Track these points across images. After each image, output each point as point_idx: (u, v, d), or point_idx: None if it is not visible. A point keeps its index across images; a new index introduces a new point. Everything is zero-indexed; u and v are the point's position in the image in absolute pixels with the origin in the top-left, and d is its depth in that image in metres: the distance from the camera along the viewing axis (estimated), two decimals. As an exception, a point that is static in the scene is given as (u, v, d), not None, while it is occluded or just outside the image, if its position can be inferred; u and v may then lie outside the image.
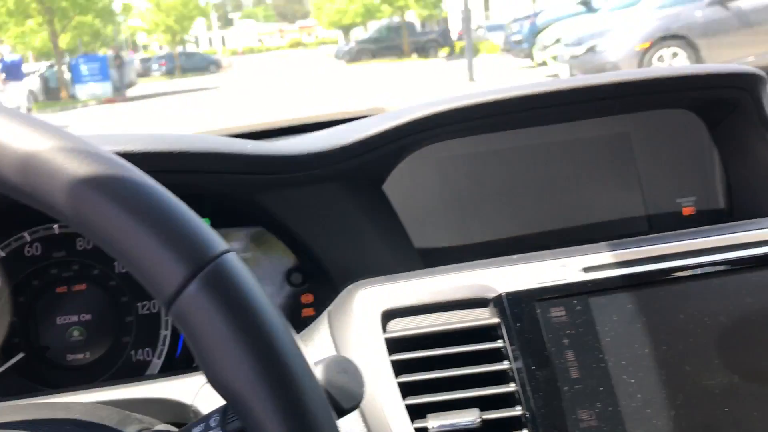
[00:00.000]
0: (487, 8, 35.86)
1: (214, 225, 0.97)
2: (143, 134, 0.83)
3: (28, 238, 0.95)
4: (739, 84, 0.99)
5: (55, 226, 0.95)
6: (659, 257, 0.77)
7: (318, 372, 0.51)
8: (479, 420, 0.69)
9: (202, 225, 0.42)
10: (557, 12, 14.08)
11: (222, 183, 0.89)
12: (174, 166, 0.83)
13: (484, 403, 0.71)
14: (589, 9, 12.82)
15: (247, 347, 0.40)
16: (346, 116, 1.22)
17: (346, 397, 0.51)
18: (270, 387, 0.40)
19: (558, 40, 10.55)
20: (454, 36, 25.48)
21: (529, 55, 13.98)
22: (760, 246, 0.78)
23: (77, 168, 0.40)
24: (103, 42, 30.39)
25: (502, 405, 0.71)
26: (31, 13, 21.68)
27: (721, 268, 0.76)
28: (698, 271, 0.76)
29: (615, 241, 0.80)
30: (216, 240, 0.42)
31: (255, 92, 16.07)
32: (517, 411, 0.70)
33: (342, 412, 0.51)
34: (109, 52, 26.33)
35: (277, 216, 0.93)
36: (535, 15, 16.03)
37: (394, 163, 1.01)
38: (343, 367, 0.53)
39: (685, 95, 1.03)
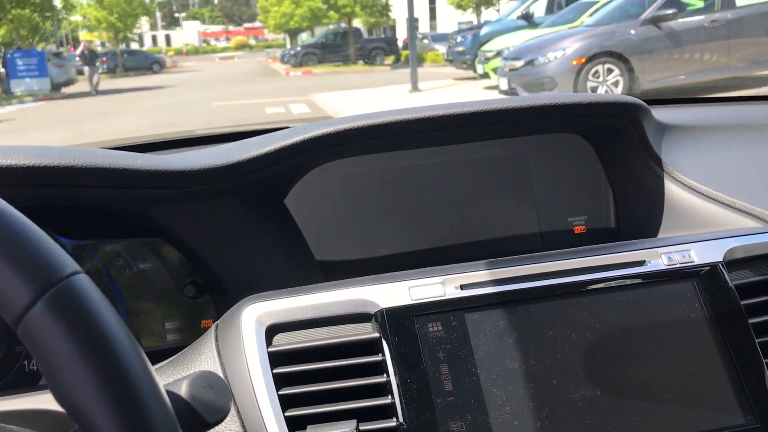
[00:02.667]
0: (433, 18, 36.22)
1: (111, 236, 0.98)
2: (27, 147, 0.83)
3: None
4: (620, 112, 1.05)
5: None
6: (530, 276, 0.81)
7: (182, 387, 0.52)
8: (356, 431, 0.71)
9: (51, 246, 0.44)
10: (500, 25, 14.32)
11: (112, 198, 0.89)
12: (60, 181, 0.83)
13: (363, 415, 0.74)
14: (531, 24, 13.10)
15: (88, 368, 0.41)
16: (256, 129, 1.24)
17: (210, 411, 0.52)
18: (111, 407, 0.42)
19: (499, 53, 10.74)
20: (400, 44, 25.65)
21: (472, 67, 14.15)
22: (624, 267, 0.83)
23: None
24: (41, 37, 29.50)
25: (381, 416, 0.74)
26: (-35, 4, 21.01)
27: (589, 288, 0.81)
28: (567, 290, 0.81)
29: (492, 260, 0.84)
30: (65, 261, 0.43)
31: (196, 94, 15.85)
32: (392, 423, 0.73)
33: (206, 426, 0.53)
34: (48, 48, 25.53)
35: (172, 229, 0.94)
36: (479, 27, 16.26)
37: (294, 178, 1.03)
38: (209, 381, 0.54)
39: (571, 121, 1.09)
